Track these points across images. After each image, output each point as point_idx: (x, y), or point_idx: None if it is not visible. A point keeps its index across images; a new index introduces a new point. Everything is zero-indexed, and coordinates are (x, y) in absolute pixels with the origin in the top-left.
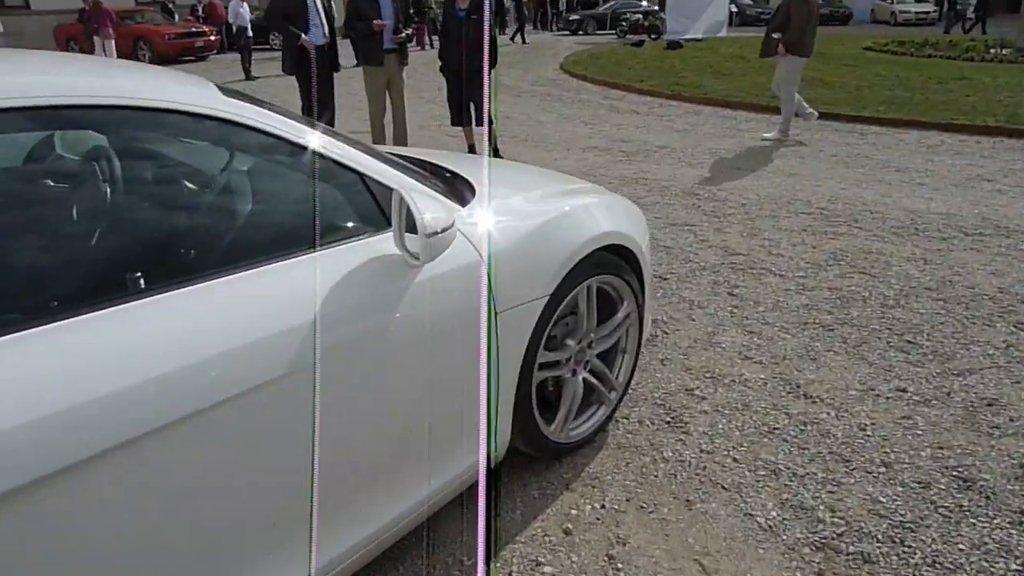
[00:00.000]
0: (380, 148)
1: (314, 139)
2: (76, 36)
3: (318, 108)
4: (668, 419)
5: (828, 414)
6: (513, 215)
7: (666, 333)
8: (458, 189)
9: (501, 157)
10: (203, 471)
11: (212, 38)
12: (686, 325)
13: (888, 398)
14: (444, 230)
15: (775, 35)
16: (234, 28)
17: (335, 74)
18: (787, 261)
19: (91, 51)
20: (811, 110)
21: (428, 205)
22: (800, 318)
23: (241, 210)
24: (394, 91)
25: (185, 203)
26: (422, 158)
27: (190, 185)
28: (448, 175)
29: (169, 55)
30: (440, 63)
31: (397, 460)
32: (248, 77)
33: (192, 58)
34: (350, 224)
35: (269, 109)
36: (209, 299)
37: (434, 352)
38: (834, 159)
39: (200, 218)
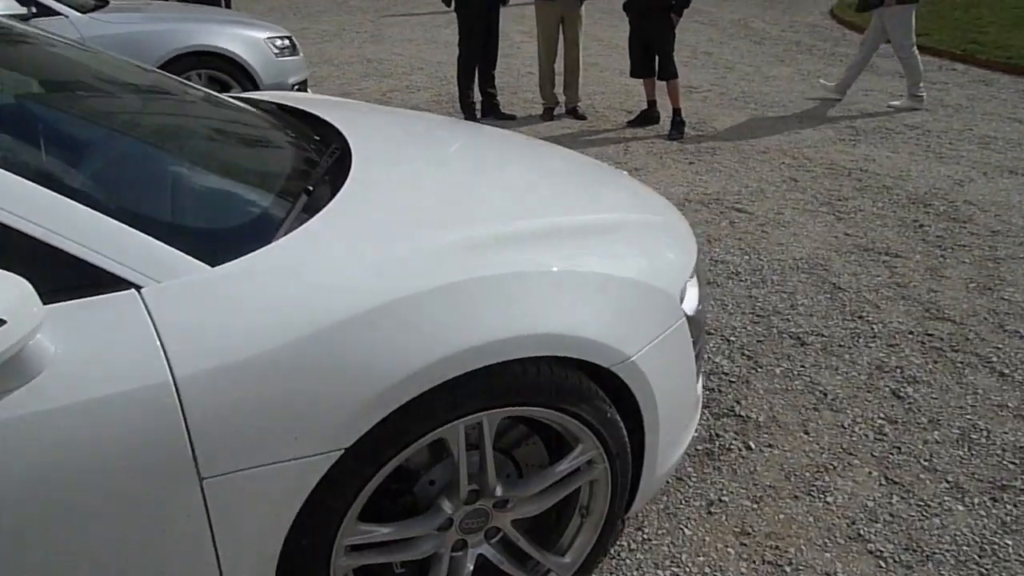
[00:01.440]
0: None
1: None
2: None
3: (481, 47)
4: None
5: None
6: (338, 288)
7: (749, 448)
8: (257, 211)
9: (685, 122)
10: None
11: None
12: (790, 439)
13: None
14: None
15: None
16: None
17: (502, 7)
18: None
19: None
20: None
21: None
22: (996, 473)
23: None
24: (568, 30)
25: None
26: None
27: None
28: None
29: None
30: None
31: None
32: (449, 5)
33: None
34: None
35: None
36: None
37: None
38: None
39: None
